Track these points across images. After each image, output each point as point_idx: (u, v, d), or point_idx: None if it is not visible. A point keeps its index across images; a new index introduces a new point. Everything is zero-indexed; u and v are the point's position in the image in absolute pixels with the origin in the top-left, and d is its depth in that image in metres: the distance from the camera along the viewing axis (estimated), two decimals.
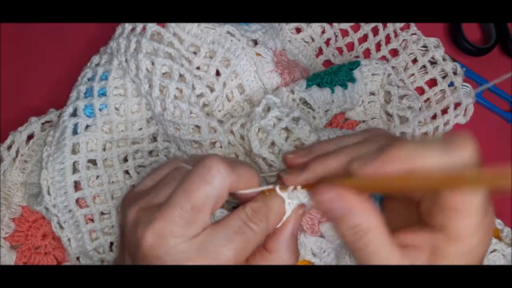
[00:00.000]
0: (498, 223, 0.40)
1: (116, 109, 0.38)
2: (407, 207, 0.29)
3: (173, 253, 0.26)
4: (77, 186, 0.37)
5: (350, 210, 0.26)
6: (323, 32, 0.48)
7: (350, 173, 0.26)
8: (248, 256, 0.28)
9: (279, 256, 0.29)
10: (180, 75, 0.37)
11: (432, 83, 0.47)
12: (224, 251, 0.27)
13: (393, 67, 0.47)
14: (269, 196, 0.29)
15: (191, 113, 0.36)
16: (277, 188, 0.29)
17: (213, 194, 0.27)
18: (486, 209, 0.25)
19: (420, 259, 0.26)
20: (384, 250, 0.26)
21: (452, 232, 0.25)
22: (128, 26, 0.38)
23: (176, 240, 0.26)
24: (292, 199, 0.29)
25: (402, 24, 0.48)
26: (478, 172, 0.23)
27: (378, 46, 0.48)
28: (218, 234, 0.27)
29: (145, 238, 0.26)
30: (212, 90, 0.39)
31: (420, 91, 0.47)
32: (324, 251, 0.33)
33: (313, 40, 0.48)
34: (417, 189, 0.25)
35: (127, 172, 0.39)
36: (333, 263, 0.33)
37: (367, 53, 0.48)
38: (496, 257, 0.39)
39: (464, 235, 0.25)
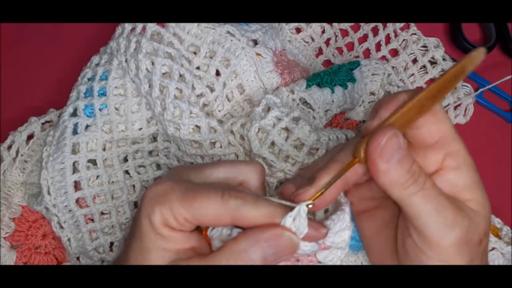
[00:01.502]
0: (498, 222, 0.40)
1: (116, 109, 0.38)
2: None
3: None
4: (77, 186, 0.37)
5: (405, 150, 0.26)
6: (323, 32, 0.48)
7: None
8: None
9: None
10: (180, 75, 0.37)
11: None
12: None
13: (393, 67, 0.47)
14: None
15: (191, 113, 0.36)
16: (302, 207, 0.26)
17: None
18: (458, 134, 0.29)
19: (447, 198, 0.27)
20: (436, 186, 0.27)
21: (454, 158, 0.28)
22: (128, 26, 0.38)
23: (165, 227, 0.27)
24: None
25: (402, 24, 0.48)
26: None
27: (378, 46, 0.48)
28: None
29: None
30: (212, 90, 0.39)
31: None
32: None
33: (313, 40, 0.48)
34: (419, 109, 0.28)
35: (127, 172, 0.39)
36: None
37: (367, 53, 0.48)
38: (495, 256, 0.39)
39: (463, 156, 0.28)
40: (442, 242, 0.26)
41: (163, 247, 0.27)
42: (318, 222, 0.28)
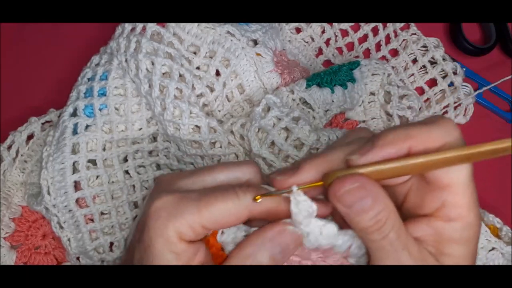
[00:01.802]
0: (497, 221, 0.40)
1: (116, 109, 0.38)
2: None
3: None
4: (77, 186, 0.37)
5: (376, 197, 0.25)
6: (323, 32, 0.48)
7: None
8: None
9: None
10: (180, 75, 0.37)
11: (432, 83, 0.47)
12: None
13: (393, 67, 0.47)
14: None
15: (191, 113, 0.36)
16: (294, 190, 0.26)
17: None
18: (474, 186, 0.26)
19: (429, 250, 0.26)
20: (402, 238, 0.25)
21: (450, 210, 0.25)
22: (128, 26, 0.38)
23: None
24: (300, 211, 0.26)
25: (402, 24, 0.48)
26: (467, 147, 0.24)
27: (378, 46, 0.48)
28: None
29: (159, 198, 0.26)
30: (212, 90, 0.39)
31: (420, 91, 0.47)
32: None
33: (313, 40, 0.48)
34: (414, 171, 0.25)
35: (127, 172, 0.39)
36: None
37: (367, 53, 0.48)
38: (495, 256, 0.39)
39: (462, 211, 0.25)
40: None
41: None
42: (322, 200, 0.27)
